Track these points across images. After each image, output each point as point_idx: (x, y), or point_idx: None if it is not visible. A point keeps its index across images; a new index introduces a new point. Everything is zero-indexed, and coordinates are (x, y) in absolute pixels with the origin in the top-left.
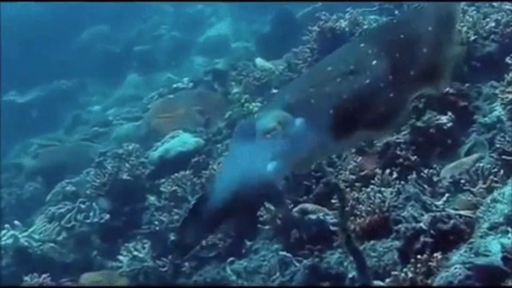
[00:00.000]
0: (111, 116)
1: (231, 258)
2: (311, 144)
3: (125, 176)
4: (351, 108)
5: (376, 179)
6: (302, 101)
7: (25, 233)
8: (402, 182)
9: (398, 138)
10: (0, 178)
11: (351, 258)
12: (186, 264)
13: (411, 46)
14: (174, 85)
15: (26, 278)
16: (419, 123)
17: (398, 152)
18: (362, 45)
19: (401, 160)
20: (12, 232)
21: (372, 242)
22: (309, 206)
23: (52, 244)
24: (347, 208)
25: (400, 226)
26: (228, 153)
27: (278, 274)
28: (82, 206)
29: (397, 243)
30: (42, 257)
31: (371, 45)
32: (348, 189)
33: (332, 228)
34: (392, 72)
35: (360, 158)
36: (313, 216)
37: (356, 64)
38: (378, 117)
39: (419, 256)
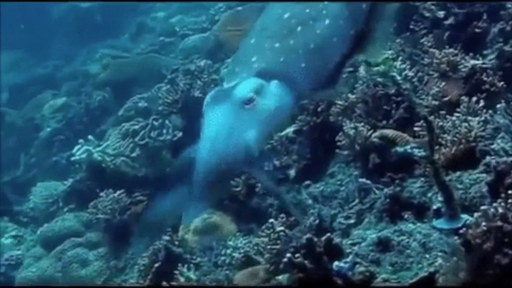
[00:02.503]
0: (177, 26)
1: (306, 182)
2: (289, 105)
3: (197, 94)
4: (320, 55)
5: (462, 107)
6: (272, 62)
7: (99, 148)
8: (490, 111)
9: (484, 63)
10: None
11: (438, 190)
12: (259, 184)
13: None
14: None
15: (102, 194)
16: (507, 47)
17: (484, 78)
18: None
19: (487, 86)
20: (86, 147)
21: (458, 173)
22: (389, 132)
23: (124, 158)
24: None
25: (490, 159)
26: (204, 127)
27: (357, 201)
28: (155, 123)
29: (485, 176)
30: (115, 171)
31: None
32: (431, 117)
33: (415, 158)
34: (346, 6)
35: (443, 83)
36: (399, 149)
37: (311, 5)
38: (347, 56)
39: (510, 191)
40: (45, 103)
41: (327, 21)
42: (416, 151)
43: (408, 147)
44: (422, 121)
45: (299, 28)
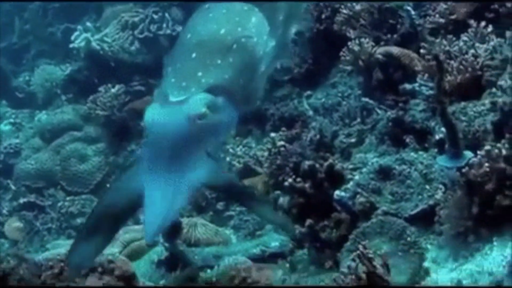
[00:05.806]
0: None
1: (308, 92)
2: (234, 120)
3: None
4: (252, 71)
5: (469, 31)
6: (218, 79)
7: (97, 36)
8: (498, 39)
9: None
10: None
11: (442, 124)
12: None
13: None
14: None
15: (100, 89)
16: None
17: None
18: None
19: (496, 5)
20: (84, 34)
21: (462, 104)
22: (394, 49)
23: (122, 45)
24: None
25: (497, 98)
26: (152, 146)
27: (359, 120)
28: (155, 16)
29: (490, 112)
30: (113, 60)
31: (243, 2)
32: (437, 39)
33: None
34: (269, 24)
35: None
36: (408, 86)
37: (242, 24)
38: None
39: None
40: None
41: (255, 39)
42: (424, 89)
43: (416, 84)
44: (432, 59)
45: (234, 46)
